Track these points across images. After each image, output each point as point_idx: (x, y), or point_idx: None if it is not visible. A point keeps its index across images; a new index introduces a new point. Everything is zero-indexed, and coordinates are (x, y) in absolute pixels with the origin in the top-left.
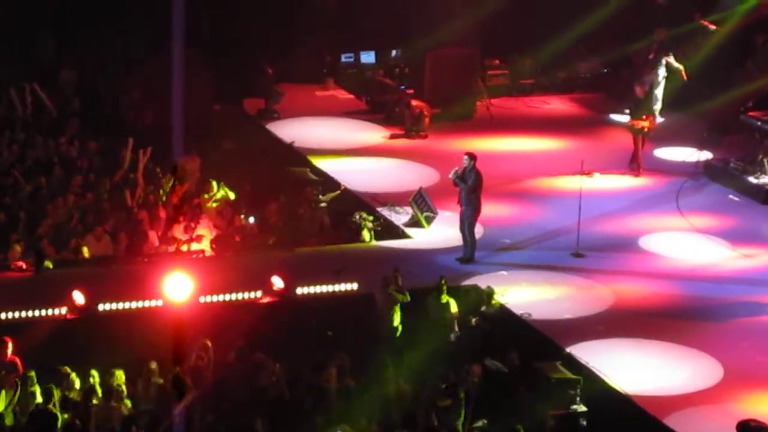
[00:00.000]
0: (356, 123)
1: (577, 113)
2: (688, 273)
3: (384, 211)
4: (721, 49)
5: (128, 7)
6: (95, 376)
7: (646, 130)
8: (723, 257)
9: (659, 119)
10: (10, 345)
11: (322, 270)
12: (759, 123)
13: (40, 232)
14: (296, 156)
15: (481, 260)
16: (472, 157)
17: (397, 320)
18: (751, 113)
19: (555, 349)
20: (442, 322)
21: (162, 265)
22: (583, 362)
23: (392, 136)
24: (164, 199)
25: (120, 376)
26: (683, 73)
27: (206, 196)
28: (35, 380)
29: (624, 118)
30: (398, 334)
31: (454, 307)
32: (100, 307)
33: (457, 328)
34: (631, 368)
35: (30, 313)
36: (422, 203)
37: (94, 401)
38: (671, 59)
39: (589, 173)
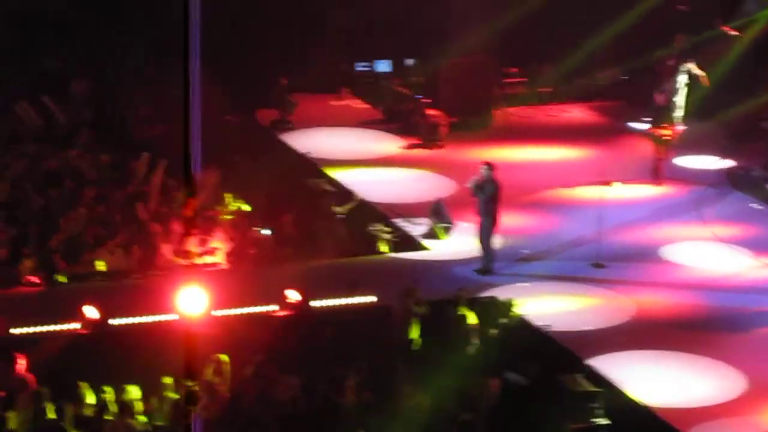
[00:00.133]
0: (372, 133)
1: (597, 121)
2: (710, 283)
3: (401, 223)
4: (743, 55)
5: (141, 17)
6: (109, 392)
7: (668, 138)
8: (745, 266)
9: (681, 127)
10: (22, 361)
11: (338, 282)
12: None
13: (52, 245)
14: (311, 167)
15: (499, 271)
16: (490, 166)
17: (415, 333)
18: None
19: (576, 361)
20: (460, 334)
21: (176, 278)
22: (604, 375)
23: (409, 146)
24: (177, 212)
25: (134, 391)
26: (705, 79)
27: (220, 208)
28: (48, 397)
29: (644, 126)
30: (416, 346)
31: (472, 319)
32: (113, 321)
33: (476, 341)
34: (653, 380)
35: (42, 329)
36: (440, 214)
37: (108, 417)
38: (693, 66)
39: (608, 182)
